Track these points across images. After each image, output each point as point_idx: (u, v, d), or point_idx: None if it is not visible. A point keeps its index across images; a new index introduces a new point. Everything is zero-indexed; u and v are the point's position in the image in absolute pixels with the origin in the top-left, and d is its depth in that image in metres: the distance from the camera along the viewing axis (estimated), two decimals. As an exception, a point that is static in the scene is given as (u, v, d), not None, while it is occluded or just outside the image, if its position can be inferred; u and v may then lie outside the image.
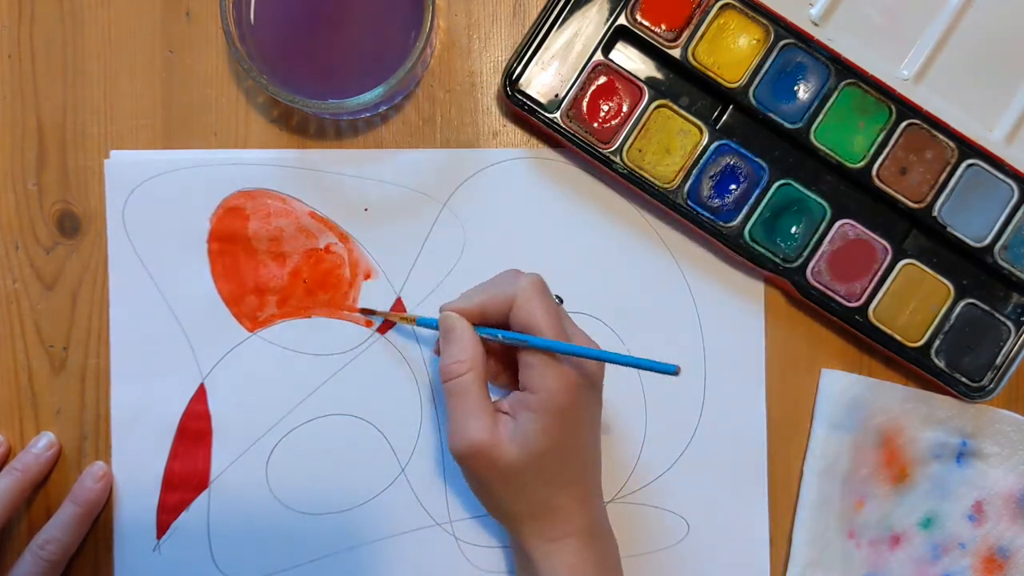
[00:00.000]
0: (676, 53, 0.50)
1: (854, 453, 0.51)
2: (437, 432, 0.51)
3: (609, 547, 0.46)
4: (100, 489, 0.50)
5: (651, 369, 0.40)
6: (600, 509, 0.47)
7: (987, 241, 0.50)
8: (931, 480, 0.51)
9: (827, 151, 0.50)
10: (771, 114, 0.50)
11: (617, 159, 0.50)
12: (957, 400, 0.51)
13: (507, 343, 0.44)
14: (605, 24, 0.50)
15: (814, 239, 0.50)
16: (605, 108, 0.50)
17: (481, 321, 0.45)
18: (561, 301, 0.46)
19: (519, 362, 0.44)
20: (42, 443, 0.51)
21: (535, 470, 0.43)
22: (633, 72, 0.51)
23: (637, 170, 0.50)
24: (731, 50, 0.50)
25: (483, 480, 0.44)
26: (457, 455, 0.44)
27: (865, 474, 0.51)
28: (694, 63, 0.50)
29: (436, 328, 0.47)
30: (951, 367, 0.50)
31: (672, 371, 0.40)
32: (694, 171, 0.50)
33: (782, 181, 0.50)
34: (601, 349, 0.44)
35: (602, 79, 0.50)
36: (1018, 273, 0.50)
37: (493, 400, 0.44)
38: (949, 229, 0.50)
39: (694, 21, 0.50)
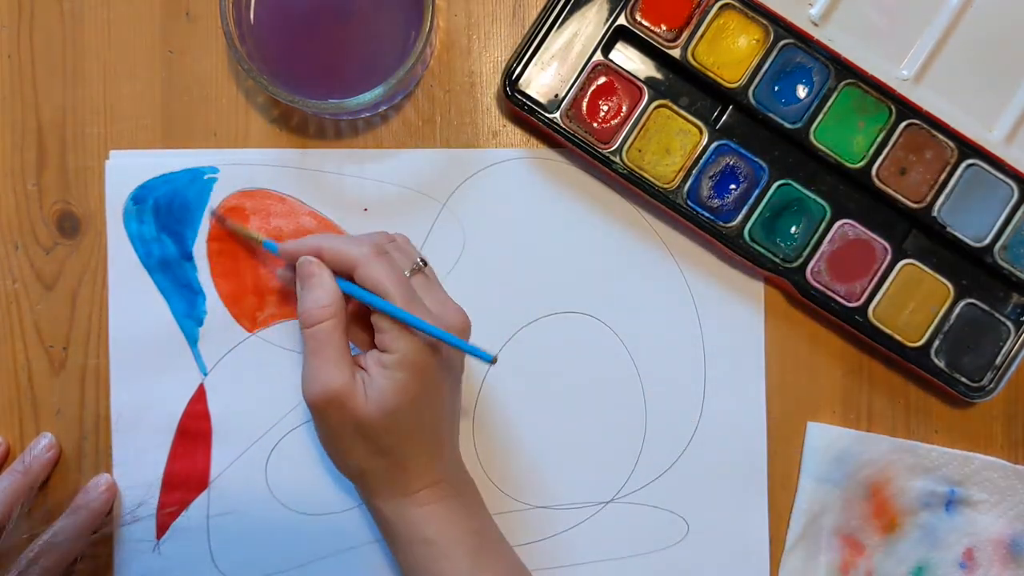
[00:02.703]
0: (676, 53, 0.50)
1: (843, 505, 0.51)
2: (437, 432, 0.51)
3: (467, 492, 0.47)
4: (104, 500, 0.50)
5: (471, 354, 0.43)
6: (454, 460, 0.47)
7: (987, 241, 0.50)
8: (921, 529, 0.51)
9: (827, 151, 0.50)
10: (771, 114, 0.50)
11: (617, 159, 0.50)
12: (944, 448, 0.51)
13: (360, 299, 0.44)
14: (605, 24, 0.50)
15: (814, 239, 0.50)
16: (605, 108, 0.50)
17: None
18: (422, 265, 0.46)
19: (373, 323, 0.44)
20: (42, 444, 0.50)
21: (389, 426, 0.43)
22: (633, 72, 0.51)
23: (637, 170, 0.50)
24: (731, 50, 0.50)
25: (335, 431, 0.44)
26: (311, 402, 0.43)
27: (855, 526, 0.51)
28: (694, 63, 0.50)
29: (276, 254, 0.47)
30: (951, 367, 0.51)
31: (488, 359, 0.42)
32: (694, 171, 0.50)
33: (782, 181, 0.50)
34: (435, 328, 0.43)
35: (602, 79, 0.50)
36: (1018, 273, 0.50)
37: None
38: (949, 229, 0.50)
39: (694, 21, 0.50)
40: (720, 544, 0.51)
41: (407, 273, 0.45)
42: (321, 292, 0.44)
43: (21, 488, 0.49)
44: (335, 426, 0.44)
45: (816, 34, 0.50)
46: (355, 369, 0.44)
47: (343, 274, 0.44)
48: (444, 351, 0.45)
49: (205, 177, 0.51)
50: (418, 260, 0.46)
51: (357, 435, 0.44)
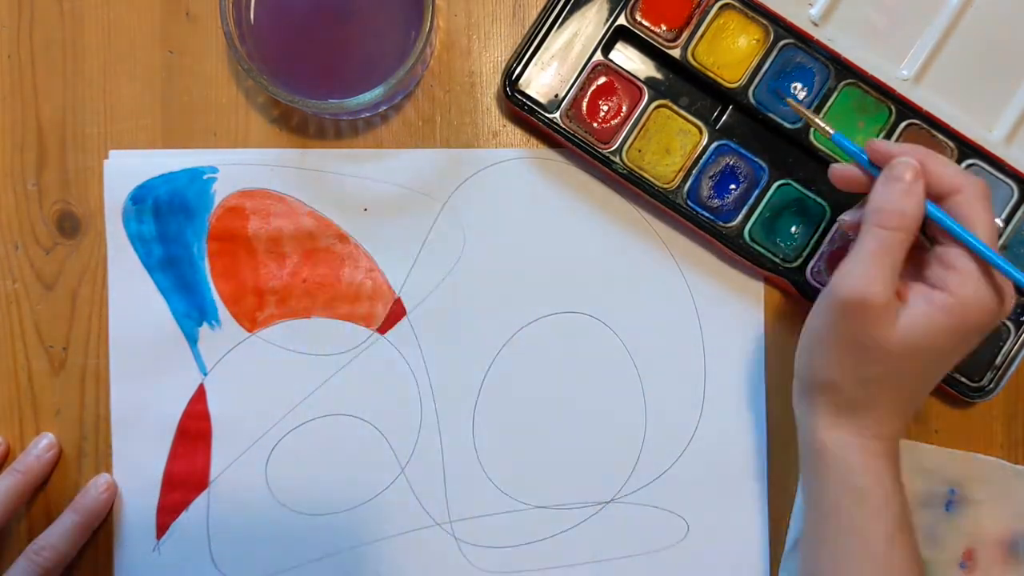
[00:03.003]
0: (676, 53, 0.50)
1: None
2: (437, 432, 0.51)
3: (897, 463, 0.44)
4: (104, 500, 0.50)
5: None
6: (908, 424, 0.46)
7: (987, 241, 0.50)
8: (921, 530, 0.51)
9: (827, 151, 0.50)
10: (771, 114, 0.50)
11: (617, 159, 0.50)
12: (943, 449, 0.51)
13: (945, 226, 0.41)
14: (605, 24, 0.50)
15: (814, 239, 0.50)
16: (605, 108, 0.50)
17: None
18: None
19: (934, 257, 0.42)
20: (42, 444, 0.50)
21: (897, 362, 0.41)
22: (633, 72, 0.51)
23: (637, 170, 0.50)
24: (731, 50, 0.50)
25: (839, 336, 0.41)
26: (840, 296, 0.41)
27: None
28: (694, 63, 0.50)
29: (852, 156, 0.44)
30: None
31: None
32: (694, 171, 0.50)
33: (782, 181, 0.50)
34: None
35: (602, 79, 0.50)
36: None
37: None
38: (949, 229, 0.50)
39: (694, 21, 0.50)
40: (720, 544, 0.51)
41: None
42: (910, 201, 0.41)
43: (21, 488, 0.49)
44: (843, 332, 0.41)
45: (816, 34, 0.50)
46: (897, 291, 0.41)
47: (933, 197, 0.42)
48: (986, 321, 0.41)
49: (205, 177, 0.51)
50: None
51: (859, 352, 0.41)
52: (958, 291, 0.41)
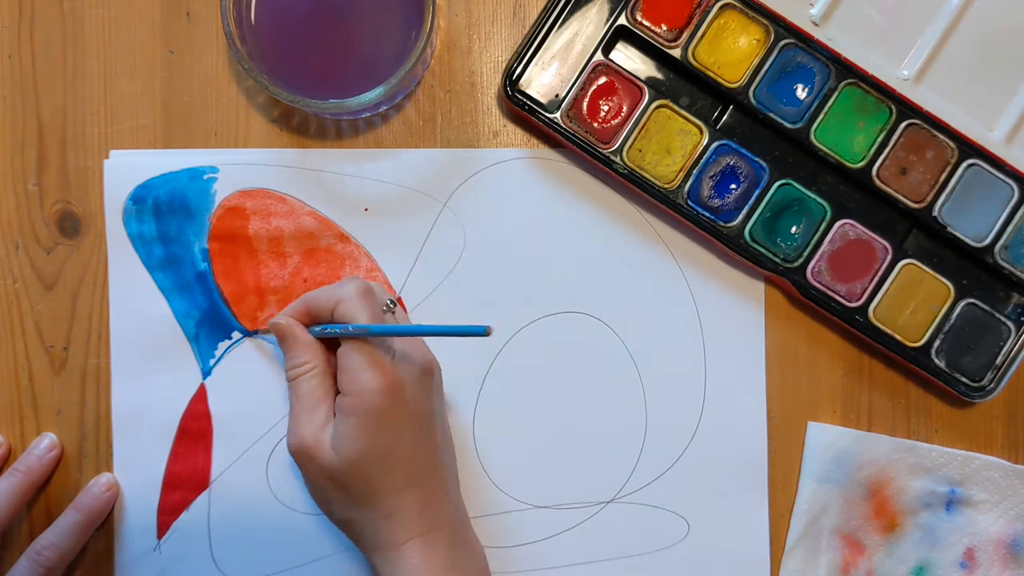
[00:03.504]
0: (676, 53, 0.50)
1: (843, 506, 0.51)
2: (437, 432, 0.51)
3: (464, 552, 0.46)
4: (106, 499, 0.50)
5: (461, 334, 0.41)
6: (452, 513, 0.46)
7: (987, 241, 0.50)
8: (922, 529, 0.51)
9: (827, 151, 0.50)
10: (771, 114, 0.50)
11: (617, 159, 0.50)
12: (944, 448, 0.51)
13: (329, 335, 0.45)
14: (605, 24, 0.50)
15: (814, 239, 0.50)
16: (605, 108, 0.50)
17: (309, 322, 0.46)
18: (392, 306, 0.46)
19: (338, 366, 0.44)
20: (44, 444, 0.51)
21: (355, 473, 0.43)
22: (633, 72, 0.51)
23: (637, 170, 0.50)
24: (731, 50, 0.50)
25: (312, 482, 0.45)
26: (290, 452, 0.45)
27: (855, 526, 0.51)
28: (694, 63, 0.50)
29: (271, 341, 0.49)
30: (951, 367, 0.51)
31: (481, 332, 0.39)
32: (694, 171, 0.50)
33: (782, 181, 0.50)
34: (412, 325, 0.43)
35: (602, 79, 0.50)
36: (1018, 273, 0.50)
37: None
38: (949, 229, 0.50)
39: (694, 21, 0.50)
40: (720, 544, 0.51)
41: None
42: (297, 349, 0.46)
43: (24, 488, 0.49)
44: (312, 477, 0.45)
45: (816, 34, 0.50)
46: (329, 418, 0.44)
47: (330, 320, 0.45)
48: (410, 390, 0.44)
49: (205, 177, 0.51)
50: (388, 301, 0.46)
51: (329, 485, 0.44)
52: (352, 388, 0.43)
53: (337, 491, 0.44)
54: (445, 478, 0.46)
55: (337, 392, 0.45)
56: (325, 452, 0.43)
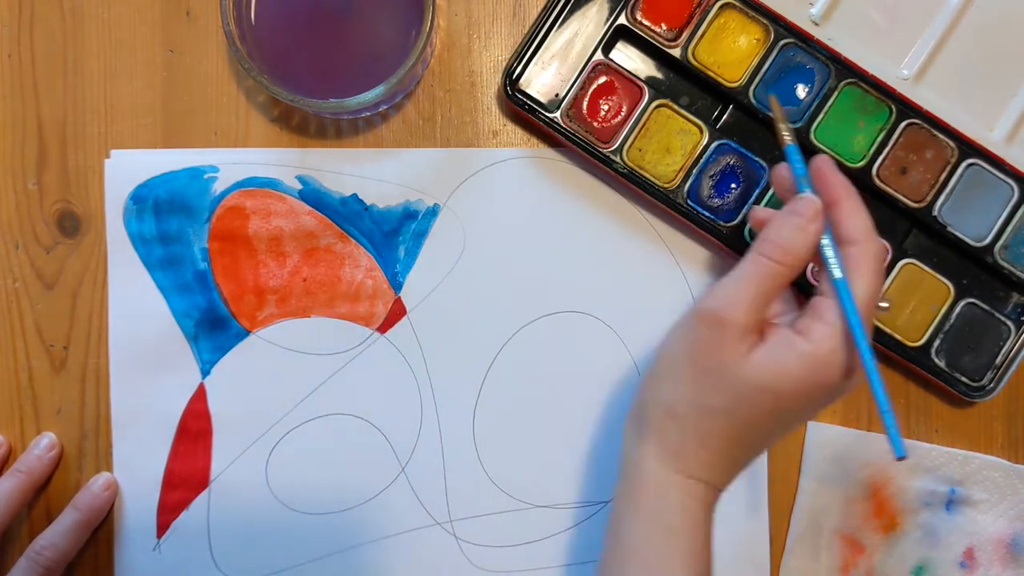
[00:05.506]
0: (676, 53, 0.50)
1: (843, 505, 0.51)
2: (437, 432, 0.51)
3: (711, 519, 0.41)
4: (106, 498, 0.50)
5: (889, 432, 0.37)
6: (730, 480, 0.42)
7: (987, 241, 0.50)
8: (922, 528, 0.51)
9: (827, 150, 0.50)
10: (771, 114, 0.50)
11: (617, 159, 0.50)
12: (944, 448, 0.51)
13: (829, 274, 0.39)
14: (605, 24, 0.50)
15: (814, 239, 0.50)
16: (605, 108, 0.50)
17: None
18: (884, 308, 0.43)
19: (810, 304, 0.40)
20: (44, 443, 0.50)
21: (741, 399, 0.39)
22: (633, 72, 0.51)
23: (637, 170, 0.50)
24: (731, 50, 0.50)
25: (692, 353, 0.40)
26: (700, 308, 0.39)
27: (855, 525, 0.51)
28: (694, 63, 0.50)
29: (793, 170, 0.42)
30: (951, 367, 0.50)
31: (900, 455, 0.37)
32: (694, 171, 0.50)
33: (782, 181, 0.50)
34: (877, 377, 0.39)
35: (602, 79, 0.50)
36: (1018, 273, 0.50)
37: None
38: (949, 229, 0.50)
39: (694, 21, 0.50)
40: (720, 544, 0.51)
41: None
42: (799, 239, 0.39)
43: (25, 488, 0.49)
44: (694, 350, 0.40)
45: (816, 33, 0.50)
46: (760, 325, 0.40)
47: (835, 235, 0.41)
48: (839, 386, 0.40)
49: (205, 176, 0.51)
50: (884, 303, 0.43)
51: (704, 376, 0.39)
52: (817, 342, 0.39)
53: (700, 387, 0.39)
54: (755, 460, 0.43)
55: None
56: (738, 351, 0.38)
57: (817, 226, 0.40)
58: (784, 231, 0.40)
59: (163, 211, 0.51)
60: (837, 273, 0.40)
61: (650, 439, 0.41)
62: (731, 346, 0.39)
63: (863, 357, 0.38)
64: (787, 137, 0.44)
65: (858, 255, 0.40)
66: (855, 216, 0.41)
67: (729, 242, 0.50)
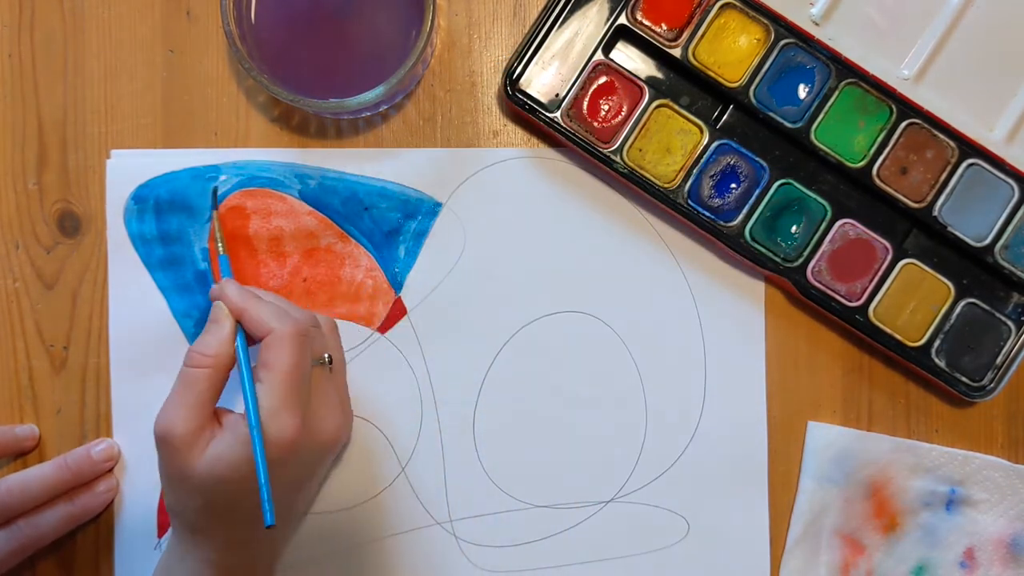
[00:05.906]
0: (676, 53, 0.50)
1: (843, 505, 0.51)
2: (437, 432, 0.51)
3: None
4: (103, 500, 0.50)
5: (263, 499, 0.40)
6: (255, 567, 0.46)
7: (988, 241, 0.50)
8: (922, 529, 0.51)
9: (827, 151, 0.50)
10: (771, 114, 0.50)
11: (617, 158, 0.50)
12: (944, 448, 0.51)
13: (239, 369, 0.44)
14: (605, 24, 0.50)
15: (814, 239, 0.50)
16: (605, 107, 0.50)
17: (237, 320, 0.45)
18: (328, 361, 0.45)
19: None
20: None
21: (212, 492, 0.42)
22: (633, 72, 0.51)
23: (637, 169, 0.50)
24: (731, 50, 0.50)
25: (162, 468, 0.44)
26: (155, 434, 0.43)
27: (855, 526, 0.51)
28: (694, 63, 0.50)
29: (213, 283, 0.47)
30: (951, 367, 0.50)
31: (268, 523, 0.40)
32: (694, 171, 0.50)
33: (782, 181, 0.50)
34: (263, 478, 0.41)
35: (602, 79, 0.50)
36: (1019, 273, 0.50)
37: (220, 408, 0.44)
38: (949, 229, 0.50)
39: (694, 21, 0.50)
40: (720, 544, 0.51)
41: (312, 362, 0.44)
42: (212, 340, 0.44)
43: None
44: (162, 465, 0.43)
45: (817, 33, 0.50)
46: (212, 423, 0.43)
47: (254, 338, 0.44)
48: (307, 454, 0.44)
49: (206, 176, 0.51)
50: (325, 356, 0.45)
51: (177, 483, 0.43)
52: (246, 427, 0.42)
53: (176, 489, 0.43)
54: (280, 536, 0.48)
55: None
56: (193, 455, 0.42)
57: (226, 328, 0.44)
58: (203, 339, 0.44)
59: (164, 211, 0.51)
60: (244, 377, 0.43)
61: (175, 535, 0.45)
62: (182, 456, 0.42)
63: (255, 451, 0.41)
64: (221, 250, 0.49)
65: (271, 341, 0.43)
66: (260, 313, 0.44)
67: (729, 242, 0.50)
